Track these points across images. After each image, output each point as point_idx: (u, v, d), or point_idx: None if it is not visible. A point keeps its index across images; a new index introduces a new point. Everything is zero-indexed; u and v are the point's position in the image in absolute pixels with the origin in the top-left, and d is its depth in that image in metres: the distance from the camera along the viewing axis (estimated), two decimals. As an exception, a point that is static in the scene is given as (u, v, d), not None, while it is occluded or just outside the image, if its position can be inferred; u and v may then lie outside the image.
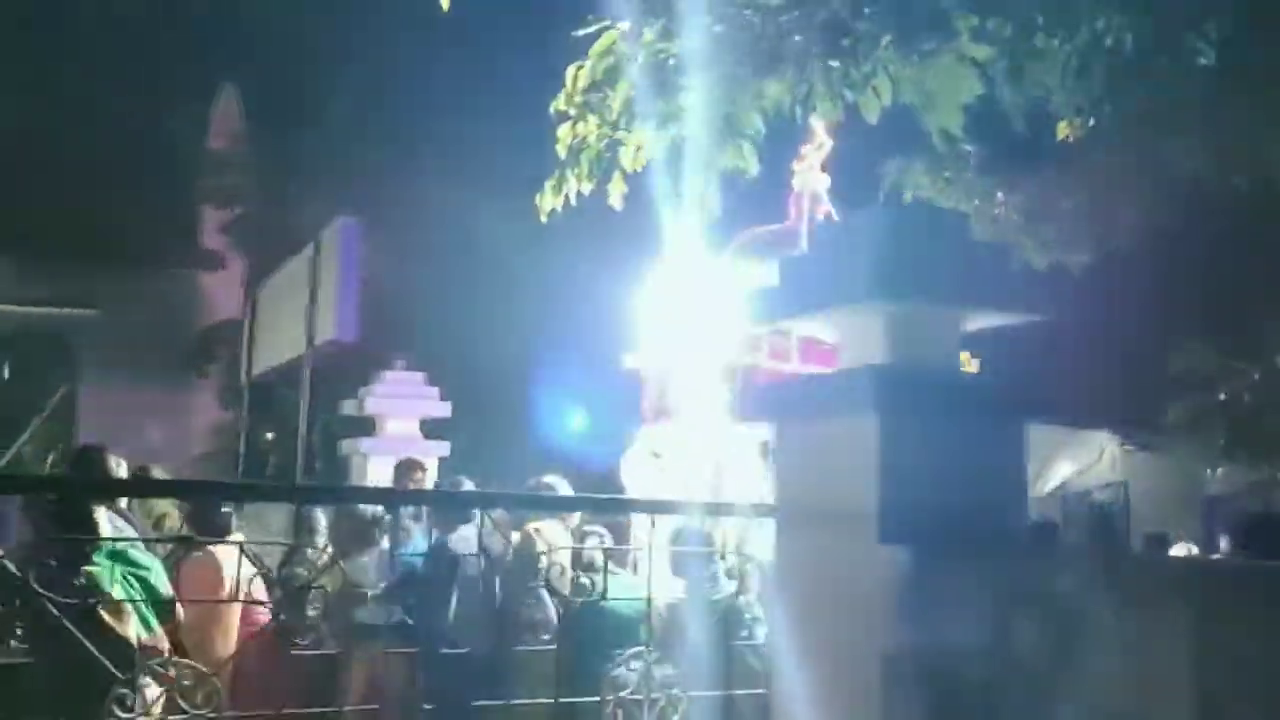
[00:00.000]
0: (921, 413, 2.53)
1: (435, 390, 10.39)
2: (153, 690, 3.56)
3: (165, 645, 4.15)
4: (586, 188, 2.66)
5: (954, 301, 2.72)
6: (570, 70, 2.56)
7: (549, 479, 6.92)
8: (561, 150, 2.52)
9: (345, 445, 10.35)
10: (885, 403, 2.48)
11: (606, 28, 2.47)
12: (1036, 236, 3.83)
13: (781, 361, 6.45)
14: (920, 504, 2.45)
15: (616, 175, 2.63)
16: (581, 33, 2.51)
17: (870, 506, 2.48)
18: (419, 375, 10.42)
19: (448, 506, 5.64)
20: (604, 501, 5.36)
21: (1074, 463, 14.39)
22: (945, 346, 2.73)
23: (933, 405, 2.57)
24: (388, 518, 5.97)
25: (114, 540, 4.28)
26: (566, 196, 2.70)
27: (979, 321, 2.84)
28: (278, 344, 12.20)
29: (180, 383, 15.11)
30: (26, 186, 13.94)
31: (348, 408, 10.80)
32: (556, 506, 5.72)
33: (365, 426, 10.17)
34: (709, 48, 2.11)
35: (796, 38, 1.99)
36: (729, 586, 4.85)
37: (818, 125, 6.93)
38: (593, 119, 2.45)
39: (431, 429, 10.20)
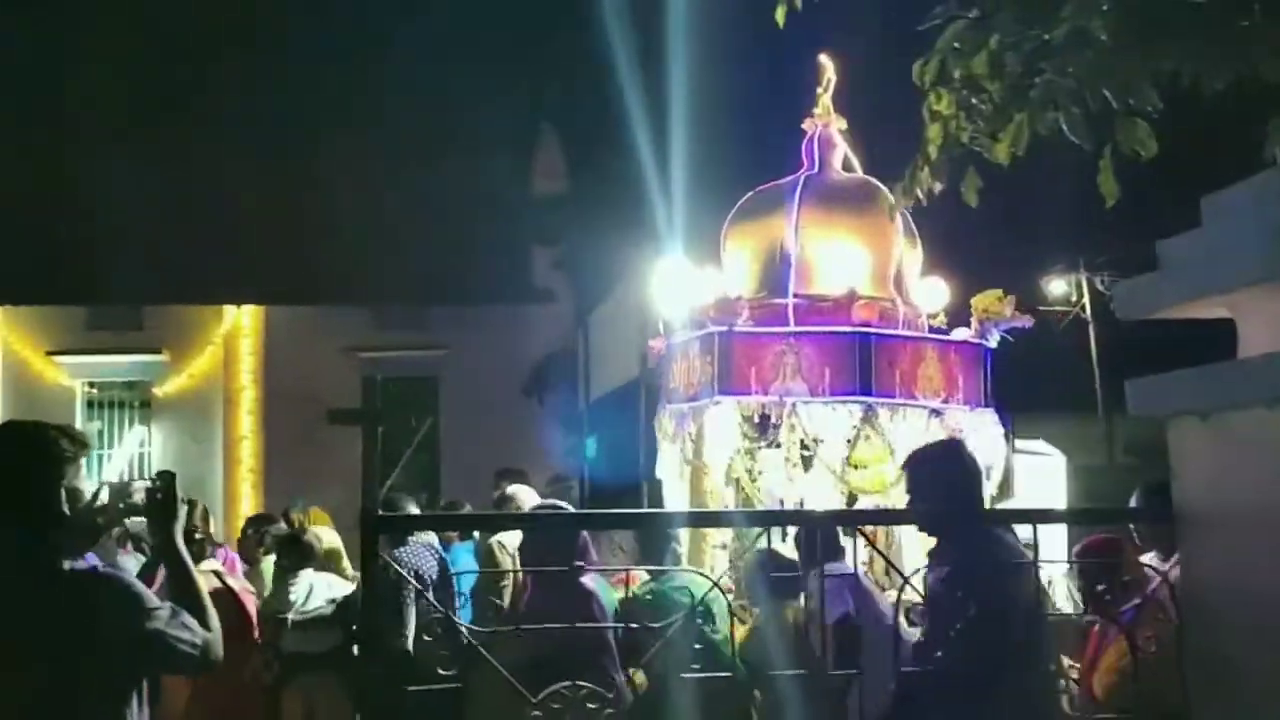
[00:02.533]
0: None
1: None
2: None
3: None
4: (938, 186, 2.55)
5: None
6: (916, 66, 2.46)
7: (511, 489, 6.50)
8: (933, 151, 2.41)
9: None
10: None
11: (954, 17, 2.36)
12: None
13: (773, 324, 5.73)
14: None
15: (971, 171, 2.49)
16: (925, 25, 2.41)
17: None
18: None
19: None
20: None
21: None
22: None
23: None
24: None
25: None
26: (917, 197, 2.60)
27: None
28: (610, 369, 12.73)
29: (524, 410, 16.10)
30: (382, 243, 15.43)
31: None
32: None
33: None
34: (1083, 23, 1.95)
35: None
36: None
37: (826, 62, 6.23)
38: (951, 111, 2.34)
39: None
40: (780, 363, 5.54)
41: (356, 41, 16.24)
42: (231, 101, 16.13)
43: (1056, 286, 22.08)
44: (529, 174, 17.17)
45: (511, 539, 5.83)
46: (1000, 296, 5.90)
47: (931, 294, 6.17)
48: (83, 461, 2.40)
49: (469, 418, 15.67)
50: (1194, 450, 2.64)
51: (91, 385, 16.49)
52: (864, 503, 5.70)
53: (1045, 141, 2.45)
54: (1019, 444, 8.04)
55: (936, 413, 5.67)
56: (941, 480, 3.60)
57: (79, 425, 16.25)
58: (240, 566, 6.78)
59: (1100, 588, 3.37)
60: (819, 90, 6.23)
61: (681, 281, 6.03)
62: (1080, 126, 2.14)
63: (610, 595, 4.80)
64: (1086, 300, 21.57)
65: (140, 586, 2.38)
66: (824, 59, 6.32)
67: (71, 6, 16.39)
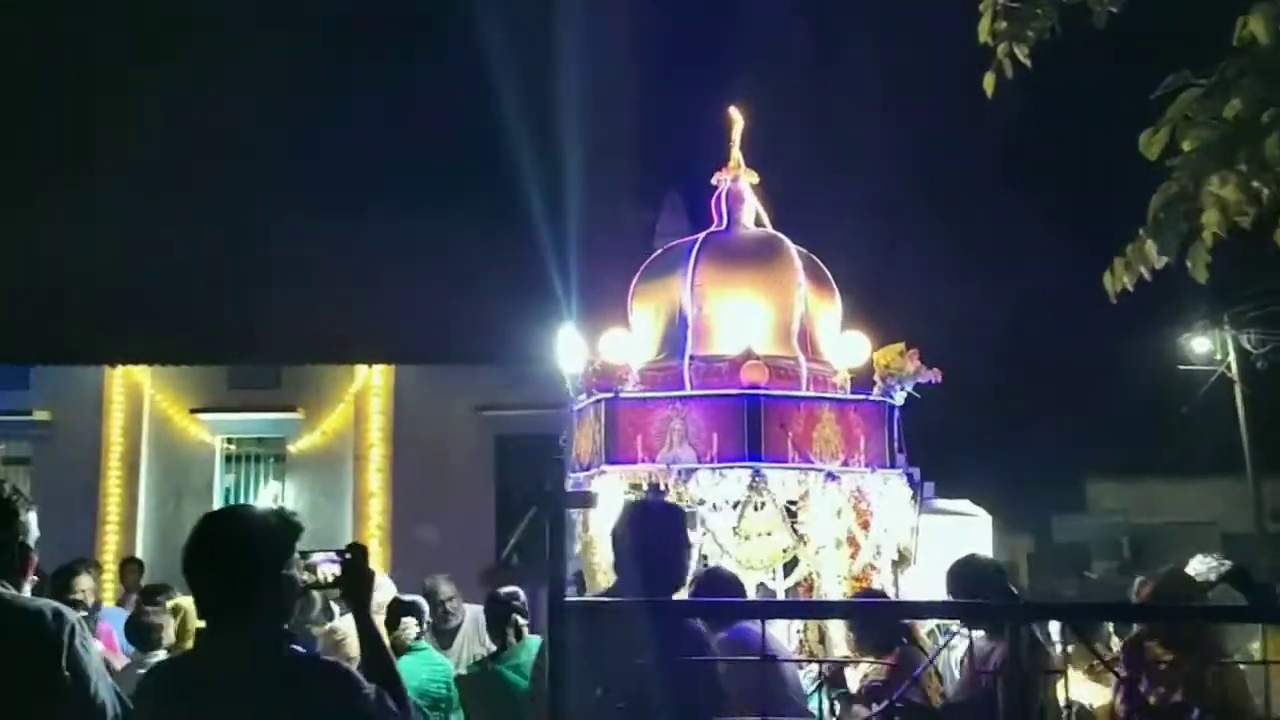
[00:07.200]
0: None
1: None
2: None
3: None
4: (1161, 262, 2.38)
5: None
6: (1144, 137, 2.32)
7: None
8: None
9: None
10: None
11: (1186, 85, 2.22)
12: None
13: (669, 388, 5.51)
14: None
15: (1198, 245, 2.33)
16: (1157, 94, 2.28)
17: None
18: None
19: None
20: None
21: None
22: None
23: None
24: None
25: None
26: (1140, 273, 2.44)
27: None
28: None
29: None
30: (509, 302, 15.59)
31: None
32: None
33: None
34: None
35: None
36: None
37: (735, 115, 5.98)
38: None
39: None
40: (667, 429, 5.34)
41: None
42: (365, 162, 16.66)
43: (1200, 344, 21.18)
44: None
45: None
46: (902, 351, 5.57)
47: (851, 349, 5.89)
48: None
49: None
50: None
51: (230, 441, 17.03)
52: (755, 576, 5.44)
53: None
54: (940, 504, 7.60)
55: (832, 476, 5.37)
56: None
57: (217, 479, 16.79)
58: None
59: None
60: (729, 143, 6.02)
61: (576, 347, 5.91)
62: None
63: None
64: (1232, 358, 20.61)
65: (352, 670, 2.41)
66: (733, 111, 6.11)
67: (210, 64, 17.18)
